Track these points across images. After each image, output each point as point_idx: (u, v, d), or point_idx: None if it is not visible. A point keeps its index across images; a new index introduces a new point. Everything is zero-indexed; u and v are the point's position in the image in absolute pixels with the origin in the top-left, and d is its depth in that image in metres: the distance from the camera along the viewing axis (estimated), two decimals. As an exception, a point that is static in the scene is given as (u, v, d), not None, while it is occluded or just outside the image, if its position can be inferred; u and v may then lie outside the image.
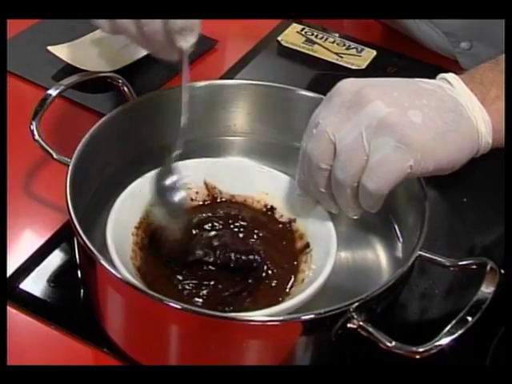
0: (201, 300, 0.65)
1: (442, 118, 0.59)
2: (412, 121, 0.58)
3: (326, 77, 0.98)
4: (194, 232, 0.70)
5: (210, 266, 0.67)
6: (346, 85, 0.61)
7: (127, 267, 0.63)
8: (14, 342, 0.62)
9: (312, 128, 0.62)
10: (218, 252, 0.68)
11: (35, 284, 0.70)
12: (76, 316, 0.69)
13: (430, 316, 0.72)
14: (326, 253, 0.66)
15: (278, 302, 0.64)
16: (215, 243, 0.68)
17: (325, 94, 0.76)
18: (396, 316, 0.70)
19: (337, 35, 1.05)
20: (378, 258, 0.73)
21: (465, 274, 0.73)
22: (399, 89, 0.60)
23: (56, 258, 0.73)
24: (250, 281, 0.67)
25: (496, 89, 0.62)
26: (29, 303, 0.69)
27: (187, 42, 0.67)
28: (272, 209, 0.72)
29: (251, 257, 0.68)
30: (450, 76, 0.63)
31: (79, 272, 0.70)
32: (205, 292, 0.66)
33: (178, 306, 0.58)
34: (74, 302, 0.70)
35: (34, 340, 0.67)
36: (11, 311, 0.67)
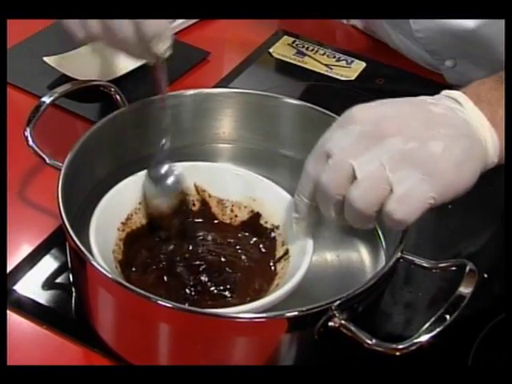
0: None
1: (459, 146, 0.59)
2: (433, 154, 0.58)
3: (316, 88, 1.00)
4: (176, 233, 0.71)
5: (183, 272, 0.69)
6: (361, 113, 0.61)
7: (107, 259, 0.65)
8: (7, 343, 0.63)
9: (322, 154, 0.61)
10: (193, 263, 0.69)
11: (28, 286, 0.72)
12: (68, 317, 0.70)
13: (411, 318, 0.74)
14: (303, 254, 0.67)
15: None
16: (193, 248, 0.70)
17: (315, 104, 0.78)
18: (378, 318, 0.71)
19: (327, 47, 1.07)
20: (363, 261, 0.74)
21: (447, 280, 0.74)
22: (416, 119, 0.60)
23: (49, 262, 0.74)
24: (228, 286, 0.68)
25: (503, 109, 0.63)
26: (22, 305, 0.70)
27: (162, 48, 0.69)
28: (258, 215, 0.74)
29: (229, 269, 0.69)
30: (458, 95, 0.64)
31: (71, 274, 0.71)
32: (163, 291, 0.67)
33: (169, 305, 0.59)
34: (67, 303, 0.71)
35: (26, 340, 0.68)
36: (5, 312, 0.69)
